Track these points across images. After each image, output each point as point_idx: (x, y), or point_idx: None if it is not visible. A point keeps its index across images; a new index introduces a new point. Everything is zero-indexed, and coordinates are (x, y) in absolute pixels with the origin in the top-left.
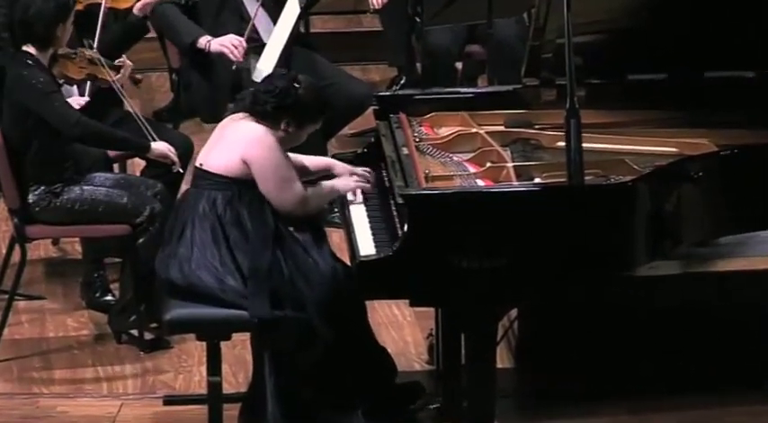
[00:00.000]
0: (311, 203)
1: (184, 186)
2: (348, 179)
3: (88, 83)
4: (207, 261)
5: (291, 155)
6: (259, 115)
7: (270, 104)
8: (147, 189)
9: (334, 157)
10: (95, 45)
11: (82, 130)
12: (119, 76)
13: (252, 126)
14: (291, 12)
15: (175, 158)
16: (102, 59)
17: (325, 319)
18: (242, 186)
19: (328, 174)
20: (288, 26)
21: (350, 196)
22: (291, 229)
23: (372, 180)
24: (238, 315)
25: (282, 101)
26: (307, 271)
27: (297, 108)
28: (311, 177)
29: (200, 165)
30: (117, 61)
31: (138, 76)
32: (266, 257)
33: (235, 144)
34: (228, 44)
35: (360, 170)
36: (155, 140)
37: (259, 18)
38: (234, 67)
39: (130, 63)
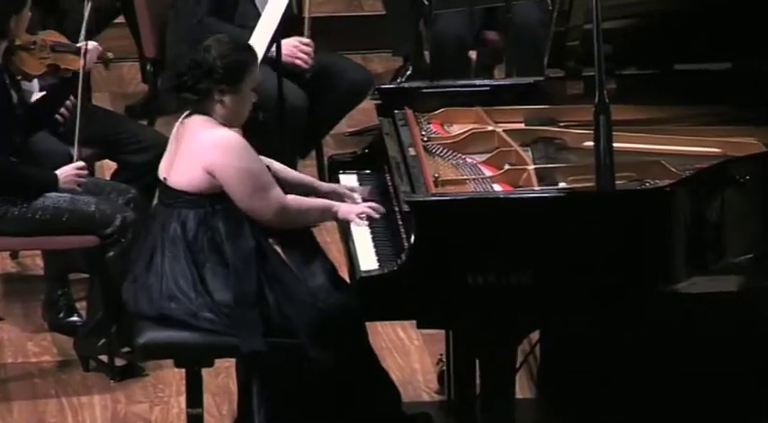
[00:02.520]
0: (295, 216)
1: None
2: (353, 206)
3: None
4: (180, 292)
5: (270, 161)
6: (192, 103)
7: (190, 85)
8: (118, 195)
9: (330, 158)
10: (81, 37)
11: None
12: (86, 61)
13: (208, 131)
14: None
15: (80, 183)
16: (67, 44)
17: (319, 345)
18: (214, 200)
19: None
20: (278, 11)
21: (357, 221)
22: (273, 242)
23: (382, 211)
24: (222, 339)
25: (198, 74)
26: (294, 293)
27: (217, 72)
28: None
29: (164, 179)
30: (80, 45)
31: (109, 54)
32: (251, 282)
33: (193, 154)
34: (293, 50)
35: (359, 203)
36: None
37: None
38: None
39: (96, 43)
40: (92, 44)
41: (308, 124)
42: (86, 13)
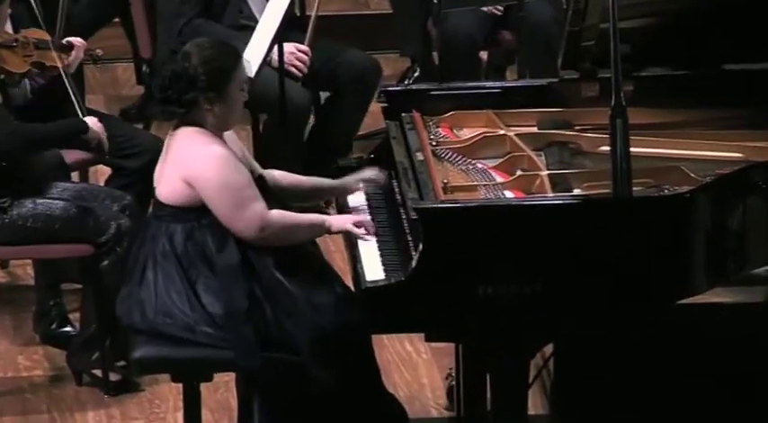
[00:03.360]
0: (279, 234)
1: None
2: (346, 218)
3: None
4: (175, 307)
5: (270, 171)
6: (181, 117)
7: (173, 97)
8: (113, 202)
9: (335, 164)
10: (58, 31)
11: (21, 141)
12: (71, 57)
13: (191, 142)
14: None
15: (105, 142)
16: (52, 40)
17: (321, 363)
18: (200, 214)
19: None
20: (278, 12)
21: (354, 230)
22: (266, 255)
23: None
24: (220, 353)
25: (179, 87)
26: (293, 309)
27: (200, 80)
28: (310, 202)
29: (155, 189)
30: (68, 40)
31: (98, 51)
32: (241, 297)
33: (176, 166)
34: (289, 56)
35: (369, 173)
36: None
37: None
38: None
39: (83, 41)
40: (78, 40)
41: (331, 138)
42: (61, 5)
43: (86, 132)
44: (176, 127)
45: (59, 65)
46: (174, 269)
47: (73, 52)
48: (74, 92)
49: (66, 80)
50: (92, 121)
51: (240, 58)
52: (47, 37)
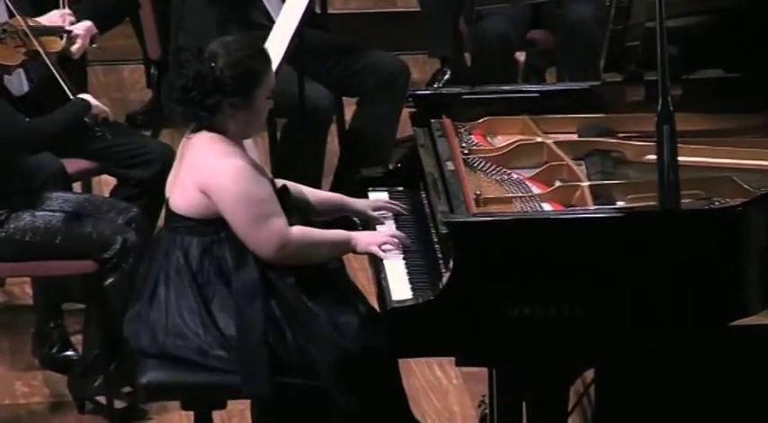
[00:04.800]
0: (300, 251)
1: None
2: (374, 235)
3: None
4: (187, 328)
5: (292, 184)
6: (201, 120)
7: (196, 100)
8: (118, 215)
9: (359, 174)
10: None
11: (38, 140)
12: (77, 46)
13: (209, 150)
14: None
15: (109, 113)
16: (45, 26)
17: (344, 388)
18: (219, 226)
19: (342, 214)
20: (298, 8)
21: (380, 253)
22: (287, 273)
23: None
24: (234, 379)
25: (205, 88)
26: (316, 331)
27: (227, 84)
28: (323, 218)
29: (168, 199)
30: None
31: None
32: (256, 317)
33: (191, 176)
34: None
35: (383, 204)
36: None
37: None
38: None
39: (89, 23)
40: (83, 26)
41: (365, 149)
42: None
43: (90, 109)
44: (194, 130)
45: (56, 51)
46: (187, 286)
47: (79, 39)
48: (60, 75)
49: (49, 64)
50: (88, 97)
51: (270, 61)
52: (34, 23)
